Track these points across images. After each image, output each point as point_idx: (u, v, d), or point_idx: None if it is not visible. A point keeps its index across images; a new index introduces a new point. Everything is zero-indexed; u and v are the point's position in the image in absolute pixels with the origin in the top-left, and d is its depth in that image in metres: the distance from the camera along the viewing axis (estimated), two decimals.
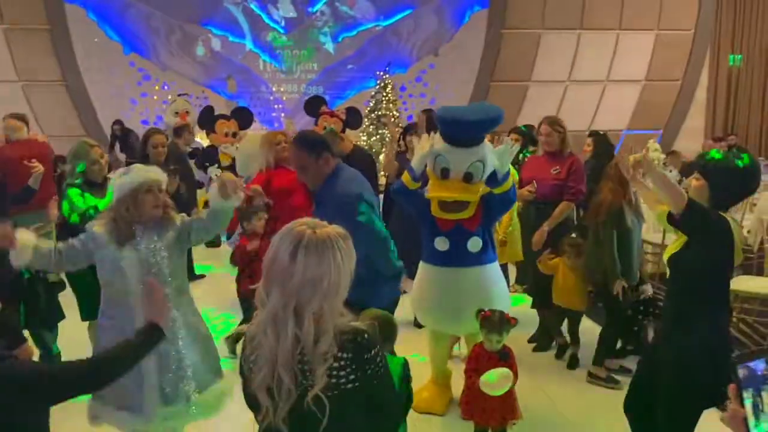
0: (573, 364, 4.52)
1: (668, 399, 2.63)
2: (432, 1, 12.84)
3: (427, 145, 3.62)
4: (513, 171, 3.84)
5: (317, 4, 12.59)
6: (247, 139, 6.58)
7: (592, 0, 12.95)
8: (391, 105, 11.95)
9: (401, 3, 12.73)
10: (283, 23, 12.56)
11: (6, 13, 11.74)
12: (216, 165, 8.21)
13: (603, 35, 13.13)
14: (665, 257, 2.83)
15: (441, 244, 3.55)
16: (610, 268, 4.07)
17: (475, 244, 3.54)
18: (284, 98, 12.62)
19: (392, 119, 11.35)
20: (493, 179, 3.57)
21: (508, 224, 5.43)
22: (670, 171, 7.91)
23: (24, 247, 2.72)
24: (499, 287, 3.68)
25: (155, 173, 2.91)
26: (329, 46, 12.77)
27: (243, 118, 8.74)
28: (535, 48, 13.07)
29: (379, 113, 11.79)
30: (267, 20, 12.51)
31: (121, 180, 2.84)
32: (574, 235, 4.73)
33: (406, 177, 3.64)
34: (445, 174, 3.55)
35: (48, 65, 12.00)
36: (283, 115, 12.37)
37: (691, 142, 12.58)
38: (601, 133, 6.42)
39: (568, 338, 4.68)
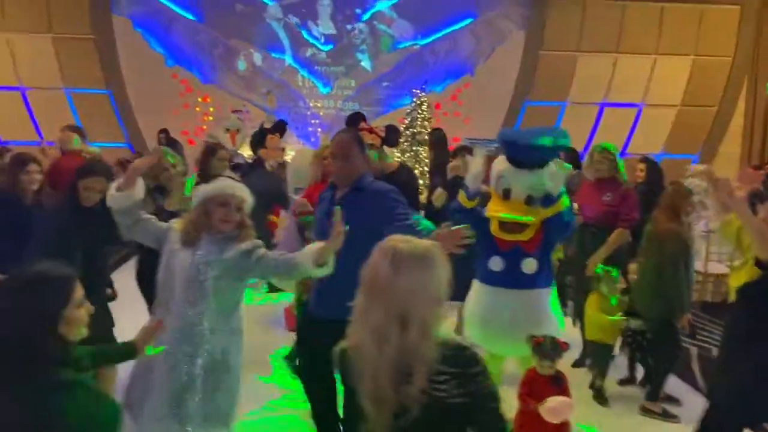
0: (601, 396, 4.45)
1: None
2: (469, 23, 12.96)
3: (480, 164, 3.71)
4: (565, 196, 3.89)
5: (356, 21, 12.78)
6: (298, 154, 6.71)
7: (630, 24, 12.96)
8: (426, 123, 12.06)
9: (439, 23, 12.87)
10: (322, 40, 12.77)
11: (55, 23, 12.11)
12: None
13: (640, 59, 13.13)
14: (733, 283, 2.88)
15: (495, 264, 3.61)
16: (677, 301, 4.06)
17: (529, 265, 3.59)
18: (321, 113, 12.81)
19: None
20: (546, 200, 3.64)
21: None
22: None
23: (140, 184, 2.90)
24: (551, 312, 3.73)
25: (239, 189, 2.91)
26: (366, 64, 12.95)
27: (281, 129, 8.86)
28: (572, 70, 13.10)
29: (414, 131, 11.90)
30: (307, 36, 12.73)
31: (204, 188, 2.92)
32: (608, 268, 4.56)
33: (462, 196, 3.73)
34: (506, 194, 3.62)
35: (93, 74, 12.33)
36: (319, 130, 12.55)
37: (726, 168, 12.49)
38: (652, 158, 6.45)
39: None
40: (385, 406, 1.57)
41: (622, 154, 10.85)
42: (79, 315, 1.82)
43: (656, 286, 4.20)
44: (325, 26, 12.74)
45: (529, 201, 3.59)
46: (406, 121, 12.01)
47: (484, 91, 13.00)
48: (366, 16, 12.79)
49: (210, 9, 12.42)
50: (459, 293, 3.77)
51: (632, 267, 4.64)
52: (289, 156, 10.60)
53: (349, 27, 12.77)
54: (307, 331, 3.49)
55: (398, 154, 11.84)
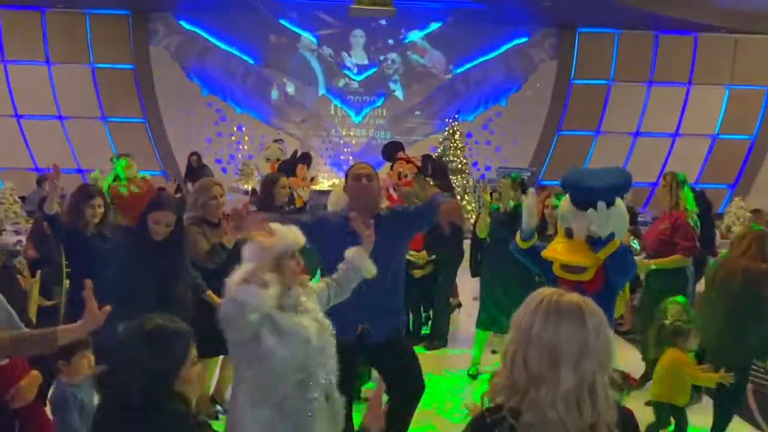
0: None
1: None
2: (501, 53, 13.03)
3: (534, 204, 3.68)
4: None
5: (389, 52, 12.92)
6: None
7: (663, 54, 12.93)
8: (458, 152, 12.08)
9: (471, 53, 12.95)
10: (355, 70, 12.91)
11: (95, 54, 12.41)
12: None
13: (673, 89, 13.06)
14: None
15: None
16: (761, 345, 3.94)
17: None
18: (353, 142, 12.90)
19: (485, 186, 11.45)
20: (596, 243, 3.58)
21: None
22: None
23: None
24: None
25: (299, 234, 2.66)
26: (399, 93, 13.04)
27: (307, 160, 8.88)
28: (603, 99, 13.07)
29: (447, 159, 11.91)
30: (340, 67, 12.88)
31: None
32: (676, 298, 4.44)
33: (518, 237, 3.69)
34: (569, 234, 3.58)
35: (130, 104, 12.58)
36: (351, 158, 12.60)
37: (763, 199, 12.29)
38: (699, 190, 6.34)
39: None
40: None
41: (656, 183, 10.82)
42: (193, 373, 1.83)
43: (740, 331, 4.05)
44: (358, 57, 12.88)
45: (590, 241, 3.53)
46: (439, 150, 12.06)
47: (515, 120, 13.02)
48: (398, 47, 12.92)
49: (244, 39, 12.64)
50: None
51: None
52: (319, 185, 10.68)
53: (381, 57, 12.90)
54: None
55: (431, 183, 11.87)
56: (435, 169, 8.61)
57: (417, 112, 13.07)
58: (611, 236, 3.54)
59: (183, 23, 12.55)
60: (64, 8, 12.08)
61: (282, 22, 12.67)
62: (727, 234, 7.70)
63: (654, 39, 12.85)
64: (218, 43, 12.66)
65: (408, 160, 8.94)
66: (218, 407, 4.67)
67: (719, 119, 13.24)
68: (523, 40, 13.03)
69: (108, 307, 2.29)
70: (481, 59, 13.05)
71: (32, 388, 2.35)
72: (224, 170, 12.32)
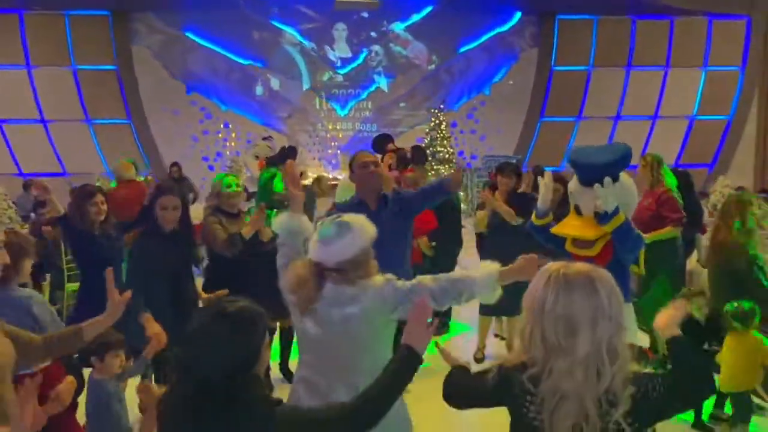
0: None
1: None
2: (483, 42, 13.16)
3: (549, 185, 3.84)
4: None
5: (372, 44, 12.98)
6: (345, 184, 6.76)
7: (640, 38, 13.16)
8: (445, 142, 12.22)
9: (453, 43, 13.07)
10: (339, 63, 12.95)
11: (76, 56, 12.28)
12: None
13: (651, 73, 13.31)
14: None
15: None
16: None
17: None
18: (339, 135, 12.95)
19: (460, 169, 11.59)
20: (602, 217, 3.73)
21: None
22: None
23: None
24: (628, 329, 3.77)
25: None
26: (383, 85, 13.12)
27: (292, 154, 8.91)
28: (584, 85, 13.28)
29: (434, 150, 12.05)
30: (323, 61, 12.91)
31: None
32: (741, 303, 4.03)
33: (533, 216, 3.84)
34: (578, 211, 3.73)
35: (114, 105, 12.49)
36: (339, 151, 12.68)
37: (740, 177, 12.62)
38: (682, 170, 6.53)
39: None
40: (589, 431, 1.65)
41: (637, 166, 11.07)
42: (268, 354, 1.85)
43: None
44: (341, 50, 12.92)
45: (597, 216, 3.67)
46: (426, 141, 12.19)
47: (499, 109, 13.18)
48: (381, 39, 12.99)
49: (226, 36, 12.60)
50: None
51: None
52: (309, 180, 10.71)
53: (364, 50, 12.96)
54: None
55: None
56: (418, 156, 8.81)
57: (402, 104, 13.16)
58: (616, 210, 3.68)
59: (164, 22, 12.47)
60: (42, 10, 11.93)
61: (264, 17, 12.65)
62: (714, 212, 7.92)
63: (631, 24, 13.07)
64: (201, 41, 12.61)
65: (398, 151, 9.09)
66: None
67: (696, 101, 13.53)
68: (504, 28, 13.17)
69: (128, 294, 2.35)
70: (463, 49, 13.16)
71: (69, 393, 2.38)
72: (211, 168, 12.30)
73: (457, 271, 2.63)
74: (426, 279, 2.45)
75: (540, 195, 3.82)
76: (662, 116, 13.50)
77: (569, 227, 3.71)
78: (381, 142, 9.41)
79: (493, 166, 10.45)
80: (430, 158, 12.09)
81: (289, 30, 12.76)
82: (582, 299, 1.68)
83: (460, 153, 12.80)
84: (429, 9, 12.77)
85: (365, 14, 12.71)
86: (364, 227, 2.45)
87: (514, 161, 12.14)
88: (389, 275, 2.46)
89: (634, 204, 3.83)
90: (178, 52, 12.59)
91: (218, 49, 12.65)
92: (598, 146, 4.06)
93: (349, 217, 2.48)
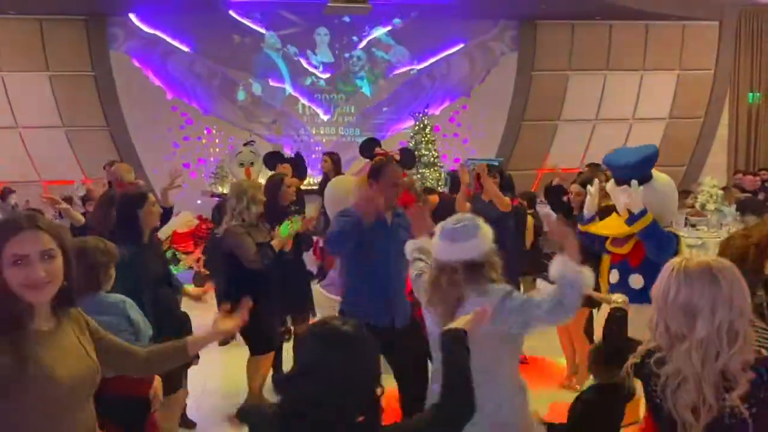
0: None
1: None
2: (463, 46, 13.27)
3: (595, 196, 4.02)
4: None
5: (354, 49, 12.98)
6: (339, 183, 6.70)
7: (617, 43, 13.45)
8: (429, 145, 12.27)
9: (434, 48, 13.15)
10: (321, 68, 12.91)
11: (51, 61, 11.99)
12: None
13: (628, 75, 13.61)
14: None
15: (612, 276, 3.80)
16: None
17: (635, 280, 3.74)
18: (323, 141, 12.91)
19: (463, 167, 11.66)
20: (630, 218, 3.81)
21: None
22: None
23: None
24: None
25: None
26: (366, 90, 13.13)
27: (299, 168, 8.83)
28: (564, 89, 13.50)
29: (419, 153, 12.08)
30: (305, 65, 12.86)
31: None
32: None
33: (577, 222, 3.97)
34: (615, 210, 3.84)
35: (91, 111, 12.22)
36: (322, 156, 12.59)
37: (714, 177, 12.94)
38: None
39: None
40: (705, 414, 1.70)
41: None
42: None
43: None
44: (323, 55, 12.89)
45: (628, 217, 3.77)
46: (410, 145, 12.21)
47: (480, 112, 13.30)
48: (363, 44, 13.00)
49: (207, 40, 12.46)
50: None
51: None
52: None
53: (346, 55, 12.95)
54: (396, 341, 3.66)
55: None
56: (407, 158, 8.88)
57: (385, 108, 13.18)
58: (644, 212, 3.77)
59: (143, 26, 12.25)
60: (15, 15, 11.62)
61: (245, 21, 12.54)
62: (702, 211, 8.13)
63: (608, 28, 13.34)
64: (181, 46, 12.43)
65: (386, 155, 9.12)
66: None
67: (671, 103, 13.87)
68: (485, 33, 13.31)
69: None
70: (444, 53, 13.25)
71: (161, 391, 2.41)
72: (193, 174, 12.12)
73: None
74: (535, 298, 2.53)
75: (586, 203, 3.96)
76: (639, 119, 13.80)
77: (603, 226, 3.81)
78: (368, 147, 9.48)
79: (471, 169, 10.61)
80: (416, 162, 12.16)
81: (270, 35, 12.67)
82: (701, 288, 1.78)
83: (443, 157, 12.86)
84: (410, 14, 12.82)
85: (347, 19, 12.70)
86: (488, 229, 2.51)
87: (497, 163, 12.34)
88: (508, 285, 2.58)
89: (671, 204, 3.92)
90: (158, 56, 12.39)
91: (198, 54, 12.49)
92: (632, 147, 4.18)
93: (475, 218, 2.52)
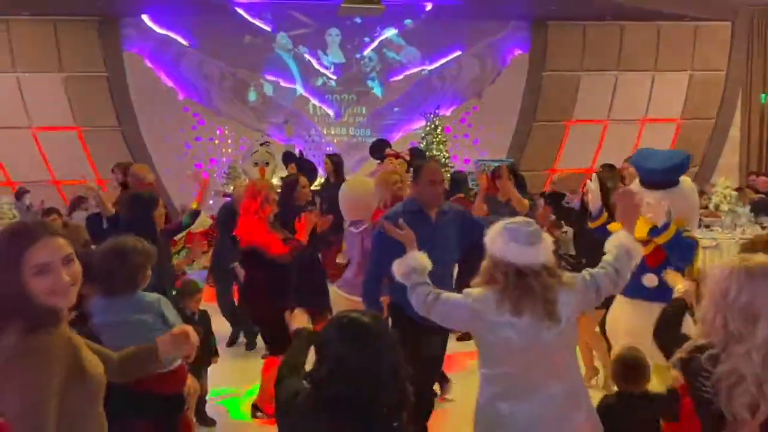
0: None
1: None
2: (474, 47, 13.28)
3: (596, 189, 3.98)
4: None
5: (365, 49, 13.01)
6: (357, 184, 6.65)
7: (629, 43, 13.41)
8: (441, 146, 12.29)
9: (445, 49, 13.16)
10: (332, 69, 12.95)
11: (65, 61, 12.07)
12: None
13: (639, 76, 13.57)
14: None
15: None
16: None
17: (649, 280, 3.74)
18: (334, 141, 12.94)
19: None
20: (654, 230, 3.78)
21: None
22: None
23: None
24: None
25: None
26: (377, 90, 13.16)
27: (303, 169, 8.85)
28: (575, 89, 13.48)
29: (430, 154, 12.10)
30: (317, 66, 12.91)
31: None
32: None
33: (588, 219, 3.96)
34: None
35: (105, 111, 12.30)
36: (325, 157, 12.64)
37: (726, 178, 12.89)
38: None
39: None
40: (764, 412, 1.73)
41: None
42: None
43: None
44: (335, 55, 12.93)
45: (650, 230, 3.74)
46: (421, 145, 12.22)
47: (491, 113, 13.30)
48: (374, 45, 13.03)
49: (219, 41, 12.52)
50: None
51: None
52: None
53: (357, 55, 12.99)
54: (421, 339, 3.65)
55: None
56: (418, 157, 8.92)
57: (396, 109, 13.21)
58: (666, 225, 3.73)
59: (155, 27, 12.33)
60: (30, 16, 11.71)
61: (256, 22, 12.59)
62: (716, 212, 8.10)
63: (620, 29, 13.31)
64: (192, 46, 12.49)
65: (397, 156, 9.14)
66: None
67: (683, 104, 13.81)
68: (496, 34, 13.31)
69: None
70: (455, 54, 13.26)
71: (195, 390, 2.43)
72: (205, 174, 12.16)
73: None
74: (598, 271, 2.71)
75: (590, 200, 3.97)
76: (650, 119, 13.75)
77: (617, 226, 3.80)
78: (379, 148, 9.50)
79: (486, 169, 10.59)
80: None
81: (282, 35, 12.72)
82: (765, 288, 1.77)
83: (454, 158, 12.87)
84: (422, 15, 12.84)
85: (358, 20, 12.73)
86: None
87: (508, 164, 12.34)
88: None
89: (696, 209, 3.90)
90: (170, 57, 12.46)
91: (210, 55, 12.55)
92: (661, 151, 4.16)
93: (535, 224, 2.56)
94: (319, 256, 5.65)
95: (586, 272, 2.68)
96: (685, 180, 3.86)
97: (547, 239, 2.57)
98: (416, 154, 9.41)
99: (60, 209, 8.09)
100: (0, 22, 11.61)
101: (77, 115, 12.24)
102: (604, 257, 2.75)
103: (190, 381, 2.90)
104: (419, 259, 2.78)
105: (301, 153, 9.84)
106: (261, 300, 4.53)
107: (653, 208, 3.71)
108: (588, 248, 4.99)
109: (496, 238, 2.54)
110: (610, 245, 2.76)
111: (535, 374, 2.52)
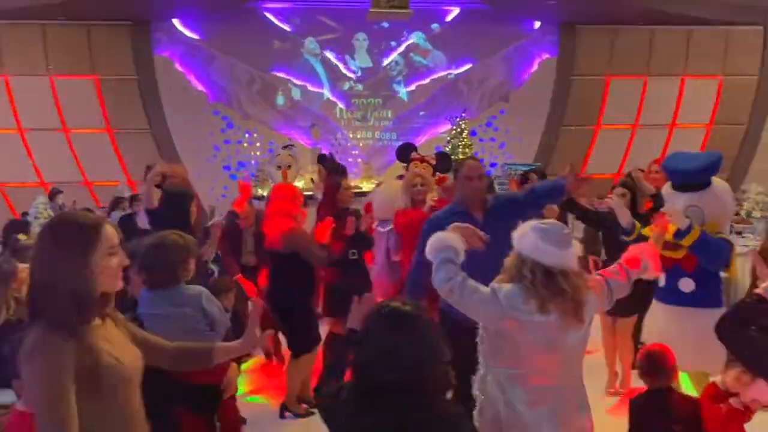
0: None
1: None
2: (501, 51, 13.26)
3: (619, 202, 4.01)
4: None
5: (392, 54, 13.07)
6: (389, 186, 6.73)
7: (658, 46, 13.29)
8: (467, 150, 12.27)
9: (472, 52, 13.16)
10: (359, 73, 13.03)
11: (98, 64, 12.32)
12: None
13: (669, 81, 13.43)
14: None
15: (660, 280, 3.77)
16: None
17: (686, 284, 3.71)
18: (360, 144, 13.01)
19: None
20: (678, 233, 3.74)
21: None
22: None
23: None
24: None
25: None
26: (403, 94, 13.20)
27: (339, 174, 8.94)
28: (603, 94, 13.38)
29: (456, 158, 12.09)
30: (344, 70, 12.99)
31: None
32: None
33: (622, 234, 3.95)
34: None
35: (135, 114, 12.51)
36: (359, 160, 12.73)
37: (758, 184, 12.67)
38: None
39: None
40: None
41: None
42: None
43: None
44: (362, 59, 13.01)
45: (676, 233, 3.71)
46: (447, 149, 12.23)
47: (518, 117, 13.26)
48: (401, 49, 13.09)
49: (248, 46, 12.67)
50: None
51: None
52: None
53: (384, 59, 13.05)
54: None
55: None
56: (438, 162, 8.90)
57: (421, 113, 13.24)
58: (690, 227, 3.69)
59: (186, 31, 12.52)
60: (65, 20, 11.96)
61: (285, 27, 12.73)
62: (748, 219, 7.99)
63: (650, 33, 13.19)
64: (222, 51, 12.66)
65: (422, 159, 9.15)
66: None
67: (713, 109, 13.63)
68: (524, 38, 13.28)
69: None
70: (482, 58, 13.25)
71: (236, 379, 2.45)
72: (233, 177, 12.32)
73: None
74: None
75: (618, 216, 3.92)
76: (679, 125, 13.59)
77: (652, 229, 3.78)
78: (405, 151, 9.55)
79: (515, 174, 10.55)
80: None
81: (310, 40, 12.83)
82: None
83: (480, 161, 12.83)
84: (449, 19, 12.86)
85: (386, 24, 12.79)
86: None
87: (534, 168, 12.29)
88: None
89: (729, 210, 3.86)
90: (200, 61, 12.65)
91: (239, 59, 12.71)
92: (692, 153, 4.12)
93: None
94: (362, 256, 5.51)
95: (602, 278, 2.72)
96: (717, 181, 3.81)
97: (576, 245, 2.55)
98: (442, 157, 9.44)
99: (92, 210, 8.24)
100: (35, 26, 11.90)
101: (109, 118, 12.47)
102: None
103: (231, 371, 2.93)
104: (458, 241, 2.68)
105: (331, 155, 9.90)
106: (287, 300, 4.57)
107: (671, 213, 3.68)
108: (619, 253, 4.96)
109: (525, 236, 2.51)
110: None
111: (554, 374, 2.52)
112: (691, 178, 3.72)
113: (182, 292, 3.00)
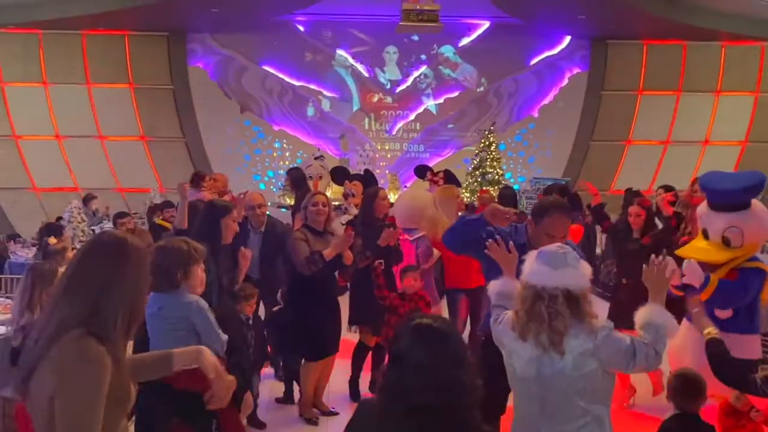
0: None
1: None
2: (532, 65, 13.24)
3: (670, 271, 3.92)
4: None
5: (421, 67, 13.15)
6: (418, 195, 6.74)
7: (691, 63, 13.12)
8: (495, 163, 12.25)
9: (502, 66, 13.16)
10: (388, 85, 13.13)
11: (135, 74, 12.62)
12: None
13: (702, 97, 13.25)
14: None
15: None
16: None
17: (722, 312, 3.60)
18: (388, 156, 13.09)
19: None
20: (694, 290, 3.62)
21: None
22: None
23: None
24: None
25: None
26: (431, 107, 13.25)
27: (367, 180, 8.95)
28: (634, 109, 13.25)
29: (483, 171, 12.09)
30: (373, 82, 13.10)
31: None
32: None
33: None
34: (705, 234, 3.71)
35: (169, 123, 12.78)
36: (387, 171, 12.78)
37: None
38: None
39: None
40: None
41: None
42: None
43: None
44: (391, 72, 13.11)
45: (726, 242, 3.63)
46: (475, 162, 12.24)
47: (548, 131, 13.21)
48: (431, 62, 13.16)
49: (279, 57, 12.87)
50: None
51: None
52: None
53: (414, 72, 13.13)
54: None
55: (467, 194, 12.05)
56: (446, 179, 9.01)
57: (450, 125, 13.27)
58: (706, 281, 3.51)
59: (219, 43, 12.78)
60: (104, 29, 12.30)
61: (317, 40, 12.91)
62: None
63: (682, 49, 13.04)
64: (254, 62, 12.88)
65: (432, 179, 9.33)
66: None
67: (748, 126, 13.39)
68: (554, 52, 13.24)
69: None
70: (511, 71, 13.24)
71: (228, 392, 2.37)
72: (262, 186, 12.48)
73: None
74: (639, 341, 2.42)
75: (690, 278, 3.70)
76: (713, 142, 13.38)
77: (695, 251, 3.66)
78: (422, 170, 9.81)
79: (542, 188, 10.48)
80: (479, 179, 12.16)
81: (340, 53, 12.98)
82: None
83: (508, 175, 12.81)
84: (479, 32, 12.90)
85: (416, 37, 12.88)
86: (587, 264, 2.45)
87: (563, 183, 12.20)
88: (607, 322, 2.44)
89: (763, 232, 3.72)
90: (233, 72, 12.88)
91: (271, 70, 12.91)
92: (730, 172, 4.05)
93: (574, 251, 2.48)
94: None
95: (628, 336, 2.43)
96: (756, 203, 3.71)
97: (583, 267, 2.41)
98: (449, 177, 9.46)
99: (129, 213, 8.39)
100: (75, 36, 12.24)
101: (144, 126, 12.75)
102: (642, 333, 2.48)
103: (221, 385, 2.82)
104: (508, 285, 2.70)
105: (367, 170, 9.96)
106: (305, 303, 4.59)
107: (687, 269, 3.57)
108: (630, 268, 4.91)
109: (528, 260, 2.47)
110: (641, 320, 2.53)
111: (530, 412, 2.41)
112: (734, 198, 3.60)
113: (176, 297, 3.00)
